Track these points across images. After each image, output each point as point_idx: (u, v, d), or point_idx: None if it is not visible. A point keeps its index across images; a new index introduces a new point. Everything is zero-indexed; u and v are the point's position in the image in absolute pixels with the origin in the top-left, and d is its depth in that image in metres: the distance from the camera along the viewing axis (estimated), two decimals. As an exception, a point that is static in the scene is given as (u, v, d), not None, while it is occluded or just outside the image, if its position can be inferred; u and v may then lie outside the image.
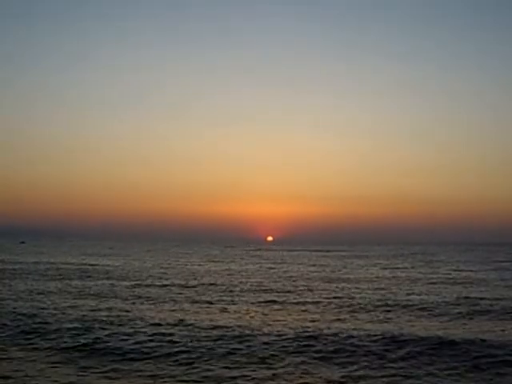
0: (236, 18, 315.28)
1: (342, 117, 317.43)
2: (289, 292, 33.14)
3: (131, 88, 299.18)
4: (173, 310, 24.93)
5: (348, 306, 26.70)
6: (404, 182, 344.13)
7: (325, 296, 30.73)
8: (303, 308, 26.22)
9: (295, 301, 28.87)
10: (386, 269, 57.94)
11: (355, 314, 24.33)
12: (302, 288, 35.53)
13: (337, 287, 36.19)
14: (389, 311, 25.40)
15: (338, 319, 22.78)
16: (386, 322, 22.47)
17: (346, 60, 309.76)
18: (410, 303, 27.96)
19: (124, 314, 23.09)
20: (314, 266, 63.70)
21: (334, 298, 30.07)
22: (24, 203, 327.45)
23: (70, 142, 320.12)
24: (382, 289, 35.25)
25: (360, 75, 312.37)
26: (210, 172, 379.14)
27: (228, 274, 47.79)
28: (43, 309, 24.27)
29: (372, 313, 24.92)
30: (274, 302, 28.37)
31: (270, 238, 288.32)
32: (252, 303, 27.77)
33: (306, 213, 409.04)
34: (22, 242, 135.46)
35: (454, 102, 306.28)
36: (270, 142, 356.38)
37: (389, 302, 28.10)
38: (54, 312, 23.28)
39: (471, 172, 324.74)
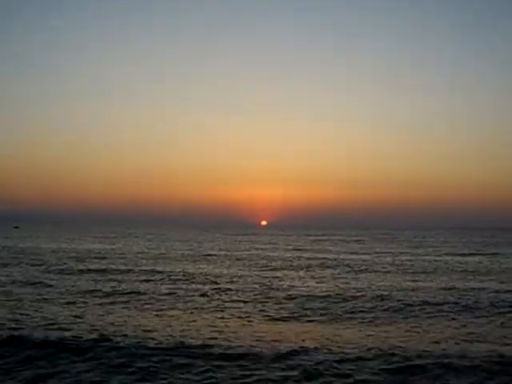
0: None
1: (339, 106, 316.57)
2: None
3: (130, 76, 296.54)
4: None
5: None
6: (402, 167, 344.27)
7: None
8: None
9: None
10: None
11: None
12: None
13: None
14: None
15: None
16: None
17: (346, 49, 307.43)
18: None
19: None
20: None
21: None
22: (22, 189, 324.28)
23: (67, 128, 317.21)
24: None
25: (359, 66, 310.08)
26: (208, 158, 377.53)
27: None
28: None
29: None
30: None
31: (264, 223, 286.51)
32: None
33: (302, 197, 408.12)
34: (16, 227, 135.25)
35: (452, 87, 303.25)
36: (267, 130, 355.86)
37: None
38: None
39: (471, 158, 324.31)
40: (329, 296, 23.91)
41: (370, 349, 13.97)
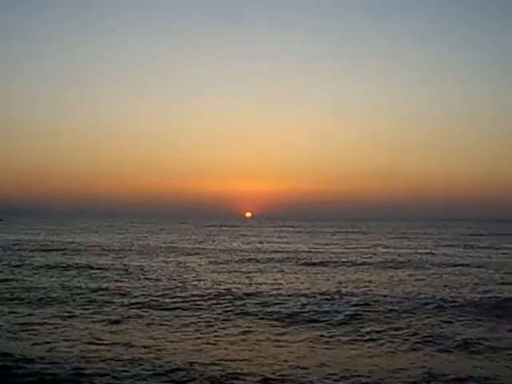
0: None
1: (333, 97, 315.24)
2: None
3: (118, 66, 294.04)
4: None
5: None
6: (396, 157, 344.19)
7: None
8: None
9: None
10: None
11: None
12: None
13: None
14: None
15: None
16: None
17: (346, 41, 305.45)
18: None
19: None
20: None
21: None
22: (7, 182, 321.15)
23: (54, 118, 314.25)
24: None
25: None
26: (193, 149, 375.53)
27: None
28: None
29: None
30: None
31: (248, 215, 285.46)
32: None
33: (287, 190, 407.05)
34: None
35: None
36: (251, 120, 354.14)
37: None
38: None
39: (466, 148, 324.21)
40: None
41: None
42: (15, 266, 30.28)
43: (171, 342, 13.81)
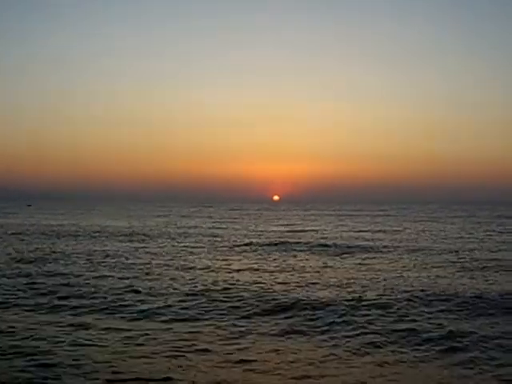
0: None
1: (345, 80, 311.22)
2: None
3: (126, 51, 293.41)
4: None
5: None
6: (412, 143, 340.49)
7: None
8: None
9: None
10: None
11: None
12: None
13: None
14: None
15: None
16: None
17: (352, 25, 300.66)
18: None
19: None
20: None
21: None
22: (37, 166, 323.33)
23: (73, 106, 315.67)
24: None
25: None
26: (219, 134, 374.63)
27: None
28: None
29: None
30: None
31: (276, 198, 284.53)
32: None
33: (317, 172, 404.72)
34: (29, 205, 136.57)
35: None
36: (274, 105, 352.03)
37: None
38: None
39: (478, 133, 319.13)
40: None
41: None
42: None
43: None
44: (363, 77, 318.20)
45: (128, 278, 20.57)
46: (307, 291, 18.01)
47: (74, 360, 10.55)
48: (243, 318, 14.45)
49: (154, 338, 12.24)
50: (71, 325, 13.43)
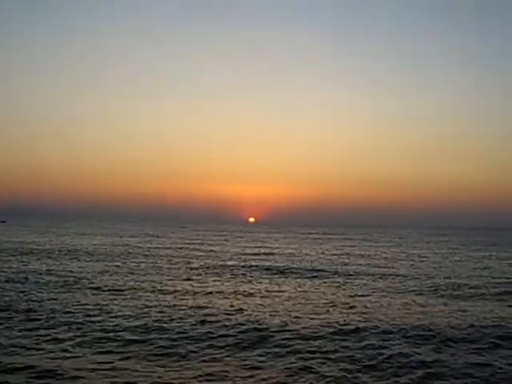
0: None
1: (319, 102, 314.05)
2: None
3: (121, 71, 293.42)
4: None
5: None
6: (397, 167, 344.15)
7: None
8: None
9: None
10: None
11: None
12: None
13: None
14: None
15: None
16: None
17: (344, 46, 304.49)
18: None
19: None
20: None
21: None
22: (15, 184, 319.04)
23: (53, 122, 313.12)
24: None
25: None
26: (199, 153, 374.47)
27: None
28: None
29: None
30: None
31: (251, 220, 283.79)
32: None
33: (292, 195, 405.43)
34: (3, 222, 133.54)
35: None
36: (254, 126, 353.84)
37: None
38: None
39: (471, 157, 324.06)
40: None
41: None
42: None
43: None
44: (337, 99, 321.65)
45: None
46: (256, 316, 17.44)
47: None
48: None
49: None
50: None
